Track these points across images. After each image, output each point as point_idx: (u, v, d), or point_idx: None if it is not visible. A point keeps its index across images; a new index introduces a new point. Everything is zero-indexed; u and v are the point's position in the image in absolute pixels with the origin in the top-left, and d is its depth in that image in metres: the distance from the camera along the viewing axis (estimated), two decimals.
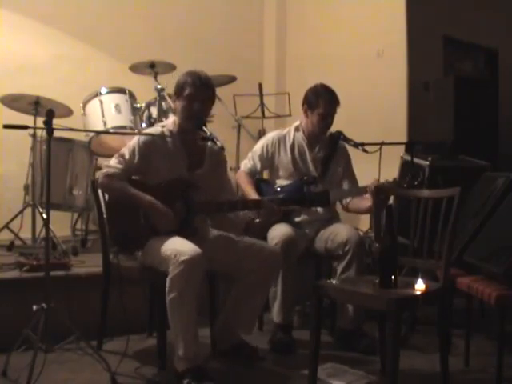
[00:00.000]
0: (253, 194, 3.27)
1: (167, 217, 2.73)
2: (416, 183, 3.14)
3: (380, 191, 3.08)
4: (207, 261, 2.63)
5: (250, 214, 2.93)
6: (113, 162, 2.83)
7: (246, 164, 3.47)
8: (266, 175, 3.67)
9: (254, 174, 3.47)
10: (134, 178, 2.85)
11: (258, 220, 2.92)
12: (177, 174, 2.83)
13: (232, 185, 3.14)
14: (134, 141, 2.85)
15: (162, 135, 2.86)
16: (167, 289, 2.55)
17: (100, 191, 3.02)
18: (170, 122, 2.94)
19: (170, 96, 3.89)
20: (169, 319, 2.58)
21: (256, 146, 3.52)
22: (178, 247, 2.59)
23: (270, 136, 3.49)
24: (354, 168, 3.52)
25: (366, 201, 3.23)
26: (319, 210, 3.36)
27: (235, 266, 2.84)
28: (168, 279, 2.55)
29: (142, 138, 2.85)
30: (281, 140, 3.44)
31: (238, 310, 2.89)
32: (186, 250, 2.55)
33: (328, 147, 3.43)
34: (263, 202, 2.90)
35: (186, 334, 2.55)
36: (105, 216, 2.95)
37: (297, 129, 3.46)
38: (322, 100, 3.29)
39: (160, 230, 2.74)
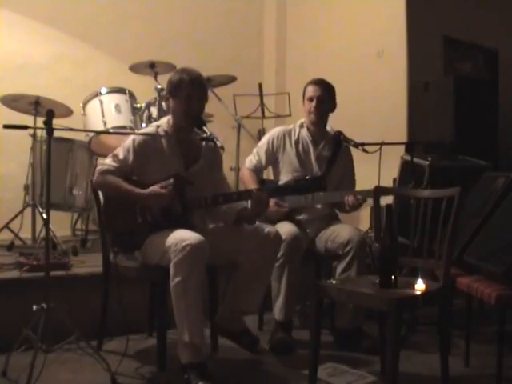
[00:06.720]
0: None
1: (164, 194, 2.70)
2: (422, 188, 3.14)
3: (380, 192, 3.08)
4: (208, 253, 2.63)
5: (245, 204, 2.91)
6: (107, 161, 2.84)
7: (250, 160, 3.47)
8: (269, 175, 3.66)
9: (259, 171, 3.46)
10: (130, 178, 2.83)
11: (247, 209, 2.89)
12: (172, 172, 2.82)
13: (227, 182, 3.12)
14: (128, 141, 2.84)
15: (157, 135, 2.85)
16: (171, 275, 2.54)
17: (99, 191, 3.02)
18: (165, 121, 2.94)
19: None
20: (173, 306, 2.56)
21: (261, 141, 3.52)
22: (180, 236, 2.59)
23: (276, 130, 3.49)
24: (354, 168, 3.52)
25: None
26: (318, 206, 3.36)
27: (235, 251, 2.82)
28: (171, 265, 2.54)
29: (137, 138, 2.84)
30: (286, 134, 3.44)
31: (241, 289, 2.85)
32: (189, 237, 2.56)
33: (332, 147, 3.43)
34: (253, 192, 2.84)
35: (191, 320, 2.53)
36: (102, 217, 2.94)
37: (301, 125, 3.47)
38: (308, 85, 3.38)
39: (159, 205, 2.71)
